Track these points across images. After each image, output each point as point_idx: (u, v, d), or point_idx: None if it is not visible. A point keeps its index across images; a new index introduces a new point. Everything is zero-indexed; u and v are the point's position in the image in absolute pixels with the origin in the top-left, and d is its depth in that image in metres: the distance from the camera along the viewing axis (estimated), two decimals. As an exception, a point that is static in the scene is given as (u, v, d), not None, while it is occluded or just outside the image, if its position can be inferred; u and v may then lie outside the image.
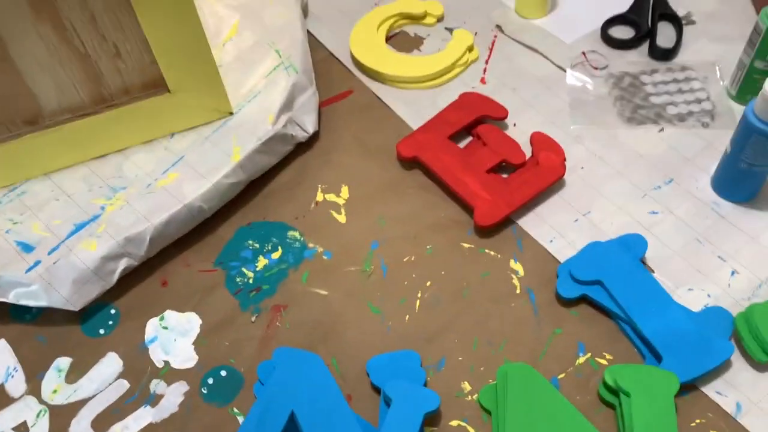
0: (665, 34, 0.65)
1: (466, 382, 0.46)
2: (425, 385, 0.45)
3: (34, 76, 0.49)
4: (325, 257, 0.53)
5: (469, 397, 0.45)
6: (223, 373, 0.48)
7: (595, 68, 0.63)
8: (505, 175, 0.56)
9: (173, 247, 0.53)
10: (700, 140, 0.57)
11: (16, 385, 0.48)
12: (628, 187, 0.55)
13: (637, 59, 0.64)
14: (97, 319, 0.51)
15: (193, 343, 0.49)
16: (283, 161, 0.58)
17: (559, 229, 0.53)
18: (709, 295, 0.49)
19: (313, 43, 0.67)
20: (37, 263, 0.49)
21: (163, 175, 0.54)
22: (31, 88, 0.50)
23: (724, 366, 0.45)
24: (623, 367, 0.44)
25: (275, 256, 0.53)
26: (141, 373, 0.48)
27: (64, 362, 0.49)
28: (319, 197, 0.57)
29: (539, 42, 0.66)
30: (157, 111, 0.54)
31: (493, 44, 0.67)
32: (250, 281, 0.52)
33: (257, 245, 0.54)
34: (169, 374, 0.48)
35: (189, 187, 0.53)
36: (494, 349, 0.47)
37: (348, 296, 0.51)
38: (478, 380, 0.46)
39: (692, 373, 0.44)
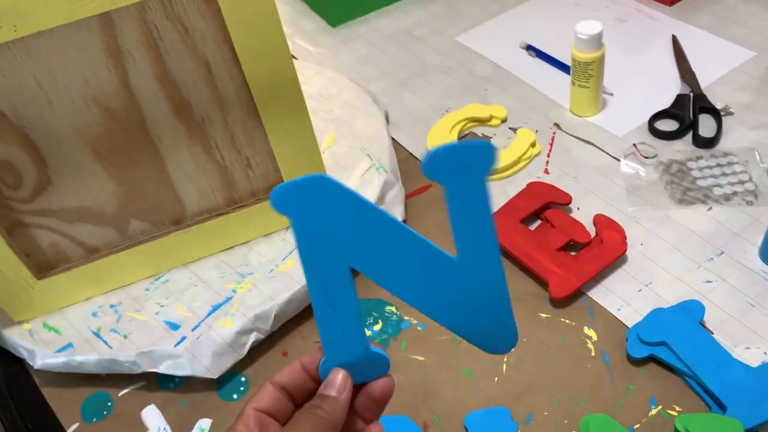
0: (706, 125, 0.74)
1: (552, 434, 0.53)
2: (517, 436, 0.52)
3: (183, 184, 0.61)
4: (419, 328, 0.61)
5: (557, 446, 0.52)
6: (341, 429, 0.55)
7: (646, 157, 0.71)
8: (573, 253, 0.64)
9: (291, 323, 0.63)
10: (746, 216, 0.65)
11: (167, 442, 0.57)
12: (683, 260, 0.62)
13: (682, 148, 0.72)
14: (230, 386, 0.60)
15: (313, 404, 0.57)
16: (378, 247, 0.68)
17: (625, 298, 0.60)
18: (765, 353, 0.55)
19: (396, 146, 0.78)
20: (183, 339, 0.59)
21: (282, 262, 0.64)
22: (179, 195, 0.62)
23: (784, 415, 0.51)
24: (692, 416, 0.50)
25: (377, 328, 0.62)
26: (271, 430, 0.56)
27: (205, 422, 0.58)
28: (411, 277, 0.66)
29: (593, 136, 0.76)
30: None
31: (552, 139, 0.77)
32: (358, 350, 0.61)
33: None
34: None
35: (304, 271, 0.63)
36: (575, 404, 0.54)
37: (442, 361, 0.59)
38: None
39: (755, 420, 0.50)
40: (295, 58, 0.95)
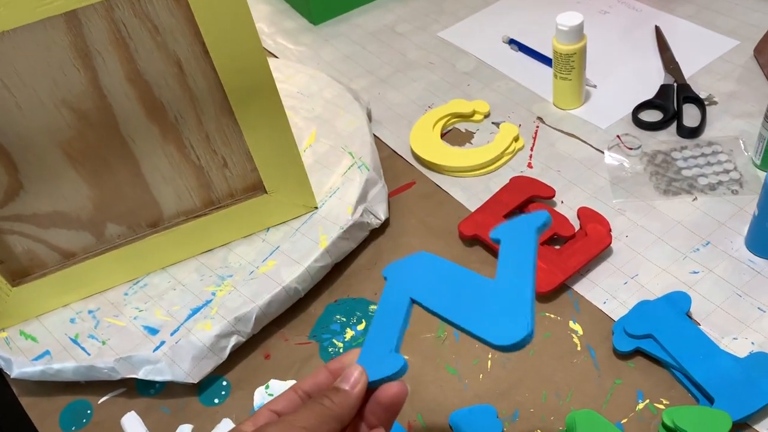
0: (690, 115, 0.73)
1: (539, 431, 0.52)
2: (503, 434, 0.51)
3: (159, 187, 0.60)
4: (404, 327, 0.60)
5: (543, 443, 0.51)
6: (324, 431, 0.54)
7: (630, 148, 0.71)
8: (557, 247, 0.63)
9: (273, 325, 0.62)
10: (731, 206, 0.64)
11: (148, 449, 0.56)
12: (669, 251, 0.62)
13: (667, 138, 0.72)
14: (212, 391, 0.59)
15: (296, 407, 0.56)
16: (360, 245, 0.67)
17: (610, 291, 0.60)
18: (752, 343, 0.54)
19: (378, 144, 0.78)
20: (162, 343, 0.58)
21: (263, 263, 0.63)
22: (156, 197, 0.61)
23: (772, 405, 0.50)
24: (680, 409, 0.49)
25: (360, 327, 0.61)
26: (253, 434, 0.55)
27: (186, 428, 0.57)
28: (395, 275, 0.65)
29: (577, 129, 0.75)
30: (256, 210, 0.64)
31: (536, 133, 0.76)
32: (341, 350, 0.60)
33: (344, 319, 0.62)
34: (278, 435, 0.55)
35: (285, 271, 0.62)
36: (561, 400, 0.53)
37: (426, 359, 0.58)
38: (550, 428, 0.52)
39: (743, 411, 0.49)
40: (276, 56, 0.94)
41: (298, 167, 0.62)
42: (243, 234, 0.66)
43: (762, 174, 0.66)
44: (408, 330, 0.60)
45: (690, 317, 0.56)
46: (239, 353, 0.60)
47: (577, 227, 0.64)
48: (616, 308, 0.58)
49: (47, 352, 0.59)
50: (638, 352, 0.55)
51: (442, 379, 0.56)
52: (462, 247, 0.66)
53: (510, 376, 0.56)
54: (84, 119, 0.54)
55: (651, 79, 0.78)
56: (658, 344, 0.54)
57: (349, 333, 0.61)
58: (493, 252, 0.64)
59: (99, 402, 0.60)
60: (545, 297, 0.60)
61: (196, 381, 0.57)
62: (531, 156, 0.73)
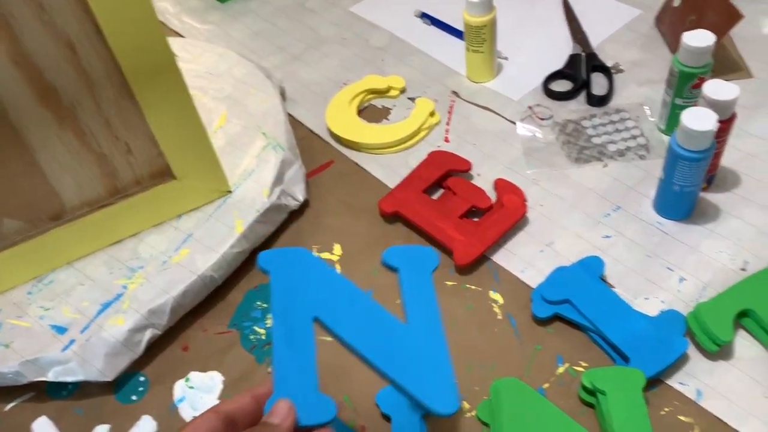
0: (599, 84, 0.75)
1: (464, 402, 0.52)
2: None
3: (58, 176, 0.56)
4: (327, 308, 0.59)
5: (469, 414, 0.52)
6: (249, 420, 0.53)
7: (542, 119, 0.72)
8: (475, 219, 0.64)
9: (191, 315, 0.60)
10: (640, 171, 0.66)
11: (62, 454, 0.53)
12: (582, 218, 0.63)
13: (577, 107, 0.73)
14: (129, 387, 0.56)
15: (219, 398, 0.55)
16: (279, 228, 0.65)
17: (528, 259, 0.61)
18: (662, 301, 0.56)
19: (294, 123, 0.76)
20: (71, 342, 0.55)
21: (175, 252, 0.60)
22: (55, 188, 0.57)
23: (682, 360, 0.52)
24: (597, 371, 0.50)
25: (282, 312, 0.60)
26: (174, 430, 0.53)
27: (102, 429, 0.54)
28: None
29: (491, 101, 0.75)
30: (166, 196, 0.61)
31: (451, 108, 0.76)
32: (263, 337, 0.58)
33: (265, 305, 0.60)
34: (200, 427, 0.53)
35: (200, 259, 0.59)
36: (485, 370, 0.54)
37: (351, 340, 0.57)
38: (475, 398, 0.52)
39: (656, 368, 0.51)
40: (182, 36, 0.90)
41: (207, 150, 0.60)
42: (153, 223, 0.63)
43: (667, 138, 0.68)
44: (330, 311, 0.59)
45: (604, 280, 0.58)
46: (156, 347, 0.58)
47: (493, 199, 0.65)
48: (534, 276, 0.59)
49: (-56, 361, 0.55)
50: (556, 317, 0.56)
51: (368, 358, 0.56)
52: (383, 225, 0.66)
53: (434, 350, 0.56)
54: (-34, 107, 0.50)
55: (560, 50, 0.80)
56: (574, 308, 0.55)
57: (270, 320, 0.59)
58: (415, 228, 0.64)
59: (6, 409, 0.56)
60: (465, 269, 0.60)
61: (110, 379, 0.55)
62: (447, 130, 0.73)
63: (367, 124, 0.75)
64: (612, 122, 0.71)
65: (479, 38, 0.73)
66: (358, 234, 0.65)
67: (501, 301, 0.58)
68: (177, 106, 0.55)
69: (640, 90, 0.74)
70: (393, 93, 0.78)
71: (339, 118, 0.74)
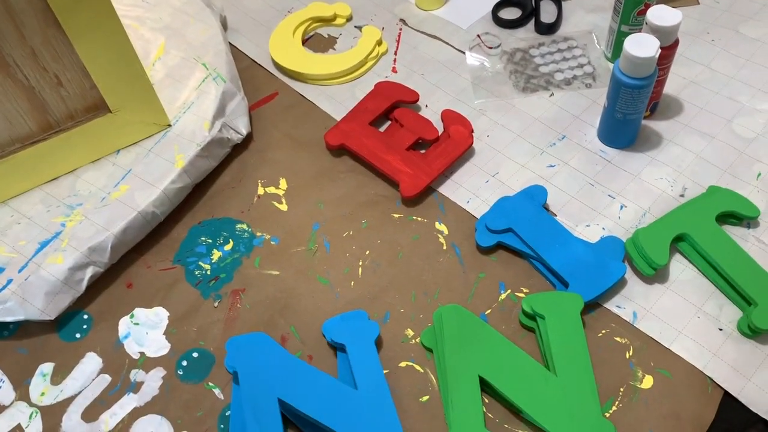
0: (547, 11, 0.74)
1: (409, 329, 0.53)
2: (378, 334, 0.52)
3: (-16, 111, 0.54)
4: (273, 243, 0.59)
5: (413, 341, 0.53)
6: (195, 354, 0.53)
7: (490, 48, 0.71)
8: (422, 151, 0.63)
9: (134, 252, 0.59)
10: (585, 99, 0.66)
11: (5, 393, 0.53)
12: (528, 147, 0.63)
13: (525, 36, 0.72)
14: (72, 326, 0.56)
15: (164, 333, 0.55)
16: (223, 163, 0.64)
17: (473, 190, 0.61)
18: (603, 228, 0.57)
19: (236, 54, 0.73)
20: (9, 281, 0.54)
21: (115, 188, 0.59)
22: (-18, 124, 0.54)
23: (620, 284, 0.54)
24: (537, 296, 0.52)
25: (227, 247, 0.59)
26: (120, 366, 0.53)
27: (47, 367, 0.54)
28: (261, 191, 0.63)
29: (439, 30, 0.74)
30: (102, 131, 0.59)
31: (399, 36, 0.74)
32: (208, 272, 0.58)
33: (210, 240, 0.60)
34: (146, 363, 0.53)
35: (140, 195, 0.58)
36: (430, 298, 0.55)
37: (298, 273, 0.57)
38: (419, 326, 0.53)
39: (594, 292, 0.52)
40: (117, -38, 0.85)
41: (142, 81, 0.58)
42: (90, 159, 0.61)
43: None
44: (278, 246, 0.59)
45: (547, 209, 0.59)
46: (99, 285, 0.57)
47: (440, 130, 0.64)
48: (479, 206, 0.59)
49: None
50: (500, 246, 0.57)
51: (315, 290, 0.56)
52: (329, 158, 0.65)
53: (380, 280, 0.56)
54: None
55: (510, -24, 0.78)
56: (517, 237, 0.56)
57: (216, 254, 0.59)
58: (361, 161, 0.64)
59: (-55, 351, 0.55)
60: (412, 201, 0.60)
61: (52, 318, 0.54)
62: (395, 60, 0.72)
63: (312, 54, 0.72)
64: (560, 50, 0.70)
65: (426, -37, 0.71)
66: (304, 168, 0.64)
67: (446, 231, 0.58)
68: (107, 34, 0.53)
69: (588, 17, 0.73)
70: (339, 21, 0.76)
71: (283, 48, 0.72)
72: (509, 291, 0.55)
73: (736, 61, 0.68)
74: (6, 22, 0.50)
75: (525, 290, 0.55)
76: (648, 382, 0.49)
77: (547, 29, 0.72)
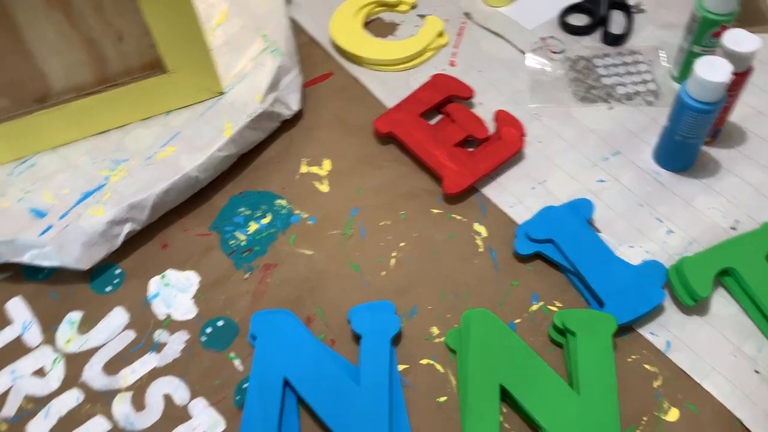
0: (617, 22, 0.72)
1: (434, 327, 0.53)
2: (399, 330, 0.52)
3: (45, 58, 0.54)
4: (309, 222, 0.59)
5: (437, 339, 0.52)
6: (220, 323, 0.54)
7: (553, 52, 0.69)
8: (471, 149, 0.62)
9: (173, 214, 0.59)
10: (645, 117, 0.64)
11: (33, 336, 0.54)
12: (579, 159, 0.62)
13: (591, 44, 0.70)
14: (104, 278, 0.56)
15: (192, 298, 0.55)
16: (270, 137, 0.64)
17: (518, 196, 0.59)
18: (647, 251, 0.56)
19: (296, 29, 0.73)
20: (49, 227, 0.55)
21: (161, 149, 0.59)
22: (42, 69, 0.55)
23: (657, 311, 0.52)
24: (570, 312, 0.50)
25: (265, 221, 0.59)
26: (145, 324, 0.54)
27: (75, 316, 0.54)
28: (303, 169, 0.62)
29: (503, 28, 0.72)
30: (155, 90, 0.60)
31: (461, 30, 0.73)
32: (243, 243, 0.58)
33: (248, 212, 0.60)
34: (171, 325, 0.54)
35: (186, 159, 0.58)
36: (459, 299, 0.54)
37: (330, 256, 0.57)
38: (445, 325, 0.53)
39: (629, 315, 0.51)
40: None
41: (201, 46, 0.58)
42: (141, 116, 0.61)
43: (678, 87, 0.66)
44: (314, 226, 0.59)
45: (591, 224, 0.57)
46: (134, 241, 0.58)
47: (492, 130, 0.63)
48: (522, 212, 0.58)
49: None
50: (538, 256, 0.56)
51: (345, 275, 0.56)
52: (375, 145, 0.64)
53: (411, 274, 0.55)
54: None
55: (583, -18, 0.76)
56: (557, 249, 0.55)
57: (253, 226, 0.59)
58: (407, 152, 0.63)
59: (-19, 286, 0.56)
60: (453, 198, 0.60)
61: (86, 268, 0.55)
62: (454, 54, 0.71)
63: (372, 38, 0.72)
64: (625, 63, 0.68)
65: (499, -41, 0.69)
66: (349, 151, 0.63)
67: (485, 233, 0.57)
68: (172, -5, 0.53)
69: (658, 33, 0.71)
70: (403, 8, 0.75)
71: (343, 28, 0.72)
72: (542, 303, 0.53)
73: (809, 95, 0.65)
74: (76, -29, 0.50)
75: (558, 304, 0.53)
76: (673, 414, 0.48)
77: (614, 40, 0.70)
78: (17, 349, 0.53)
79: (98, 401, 0.50)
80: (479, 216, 0.59)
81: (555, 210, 0.56)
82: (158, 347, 0.52)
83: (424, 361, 0.51)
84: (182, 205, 0.59)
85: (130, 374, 0.51)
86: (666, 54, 0.68)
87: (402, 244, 0.57)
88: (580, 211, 0.56)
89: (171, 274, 0.56)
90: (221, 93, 0.62)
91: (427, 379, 0.50)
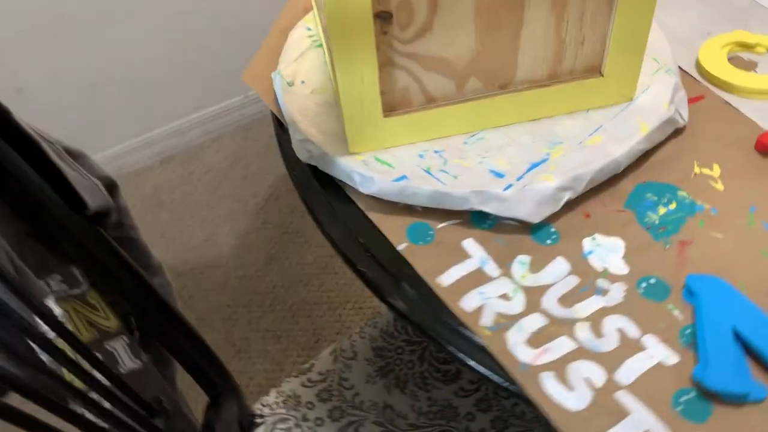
0: None
1: None
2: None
3: (524, 52, 0.68)
4: (712, 213, 0.69)
5: None
6: (652, 281, 0.64)
7: None
8: None
9: (594, 190, 0.71)
10: None
11: (492, 269, 0.66)
12: None
13: None
14: (542, 233, 0.68)
15: (623, 258, 0.66)
16: (662, 141, 0.75)
17: None
18: None
19: (667, 57, 0.84)
20: (510, 185, 0.68)
21: (589, 137, 0.71)
22: (517, 61, 0.69)
23: None
24: None
25: (672, 206, 0.69)
26: (587, 273, 0.65)
27: (524, 258, 0.66)
28: (697, 170, 0.73)
29: None
30: (586, 90, 0.72)
31: (819, 72, 0.81)
32: (656, 222, 0.68)
33: (655, 197, 0.70)
34: (609, 277, 0.64)
35: (613, 147, 0.70)
36: None
37: (738, 242, 0.66)
38: None
39: None
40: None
41: (640, 57, 0.70)
42: (568, 110, 0.74)
43: None
44: (717, 216, 0.68)
45: None
46: (564, 209, 0.69)
47: None
48: None
49: (404, 177, 0.69)
50: None
51: (755, 260, 0.64)
52: (760, 159, 0.73)
53: (819, 265, 0.63)
54: (500, -22, 0.62)
55: None
56: None
57: (662, 209, 0.69)
58: (790, 165, 0.71)
59: (438, 227, 0.70)
60: None
61: (536, 221, 0.67)
62: (814, 91, 0.79)
63: (738, 70, 0.82)
64: None
65: None
66: (735, 159, 0.73)
67: None
68: (644, 8, 0.66)
69: None
70: (759, 49, 0.85)
71: (712, 59, 0.82)
72: None
73: None
74: (578, -13, 0.64)
75: None
76: None
77: None
78: (480, 277, 0.65)
79: (562, 325, 0.61)
80: None
81: None
82: (602, 292, 0.63)
83: None
84: (602, 184, 0.71)
85: (583, 309, 0.62)
86: None
87: (804, 240, 0.66)
88: None
89: (600, 237, 0.67)
90: (631, 99, 0.74)
91: None
